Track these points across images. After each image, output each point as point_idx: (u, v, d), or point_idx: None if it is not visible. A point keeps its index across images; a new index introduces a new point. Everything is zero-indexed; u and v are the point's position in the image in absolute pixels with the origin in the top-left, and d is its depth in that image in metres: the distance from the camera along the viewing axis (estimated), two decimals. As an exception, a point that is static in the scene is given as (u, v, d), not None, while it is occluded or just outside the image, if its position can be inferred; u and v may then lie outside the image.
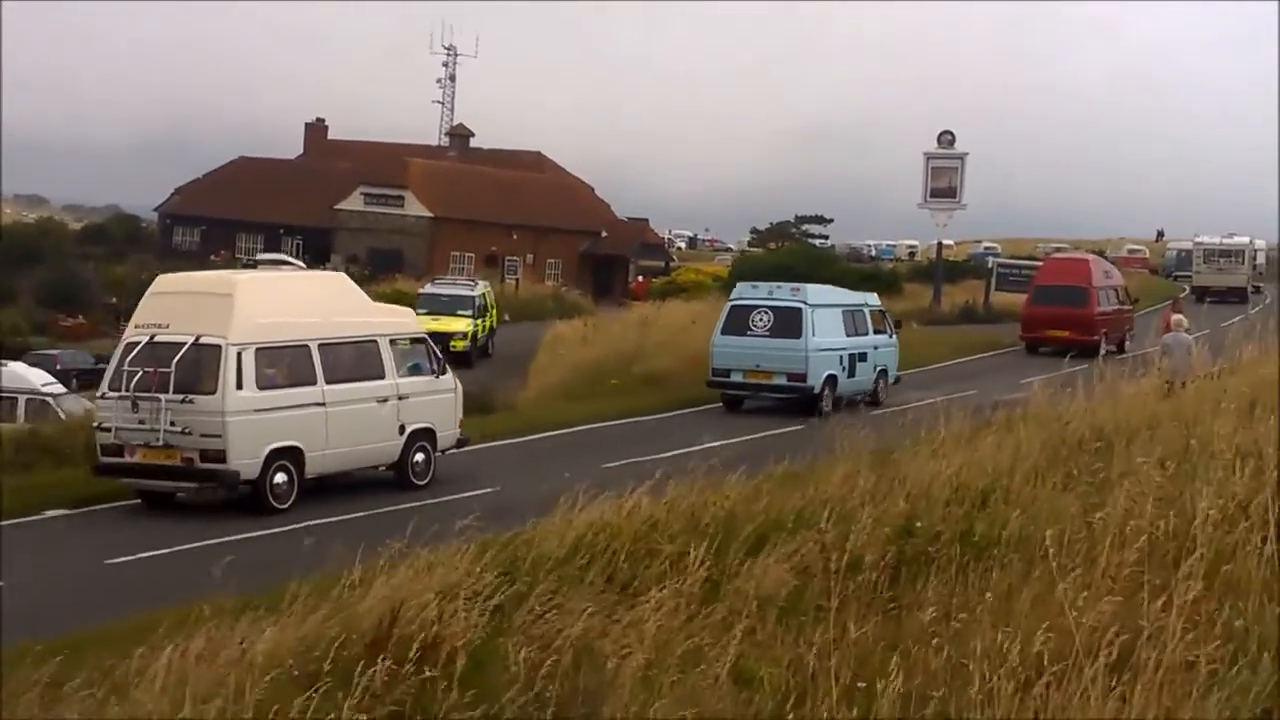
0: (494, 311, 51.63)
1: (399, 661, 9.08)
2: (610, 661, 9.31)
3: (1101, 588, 9.52)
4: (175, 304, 20.46)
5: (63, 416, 28.46)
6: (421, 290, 51.07)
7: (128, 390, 19.63)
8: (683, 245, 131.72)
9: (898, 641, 9.57)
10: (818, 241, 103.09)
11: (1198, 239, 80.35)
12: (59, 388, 33.37)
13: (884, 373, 33.08)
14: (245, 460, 19.59)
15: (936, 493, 13.27)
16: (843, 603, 10.16)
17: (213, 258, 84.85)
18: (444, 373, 22.96)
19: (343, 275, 24.31)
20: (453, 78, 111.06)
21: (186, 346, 19.59)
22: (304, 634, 9.90)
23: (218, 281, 22.34)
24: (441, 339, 34.77)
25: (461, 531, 11.86)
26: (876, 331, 33.12)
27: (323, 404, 20.63)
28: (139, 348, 19.87)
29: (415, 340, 22.89)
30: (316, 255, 77.36)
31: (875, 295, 36.46)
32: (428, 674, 8.95)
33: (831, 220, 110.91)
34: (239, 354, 19.61)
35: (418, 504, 19.16)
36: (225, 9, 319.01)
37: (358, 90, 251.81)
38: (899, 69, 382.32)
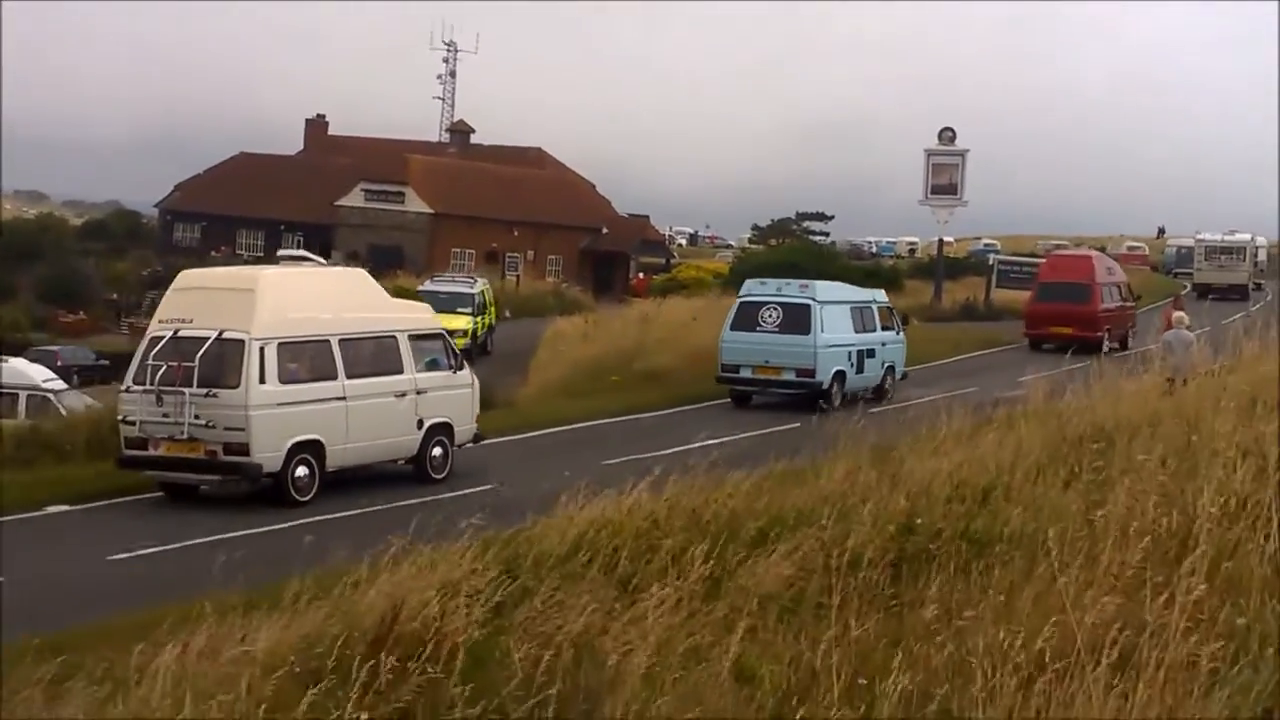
0: (493, 309, 51.57)
1: (401, 659, 9.08)
2: (611, 659, 9.31)
3: (1103, 585, 9.52)
4: (199, 299, 20.74)
5: (63, 412, 28.46)
6: (421, 287, 51.02)
7: (152, 384, 19.92)
8: (683, 242, 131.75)
9: (899, 639, 9.57)
10: (818, 238, 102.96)
11: (1199, 236, 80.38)
12: (60, 384, 33.39)
13: (891, 369, 33.28)
14: (268, 453, 19.89)
15: (937, 490, 13.27)
16: (844, 600, 10.15)
17: (213, 254, 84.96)
18: (461, 368, 23.28)
19: (362, 272, 24.68)
20: (453, 74, 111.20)
21: (210, 341, 19.85)
22: (305, 631, 9.91)
23: (241, 277, 22.69)
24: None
25: (462, 528, 11.85)
26: (884, 328, 33.32)
27: (343, 398, 20.91)
28: (163, 342, 20.18)
29: (433, 336, 23.16)
30: (317, 252, 77.30)
31: (883, 292, 36.85)
32: (430, 671, 8.94)
33: (832, 217, 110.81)
34: (262, 348, 19.91)
35: (417, 501, 19.13)
36: (226, 5, 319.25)
37: (358, 86, 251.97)
38: (899, 67, 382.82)
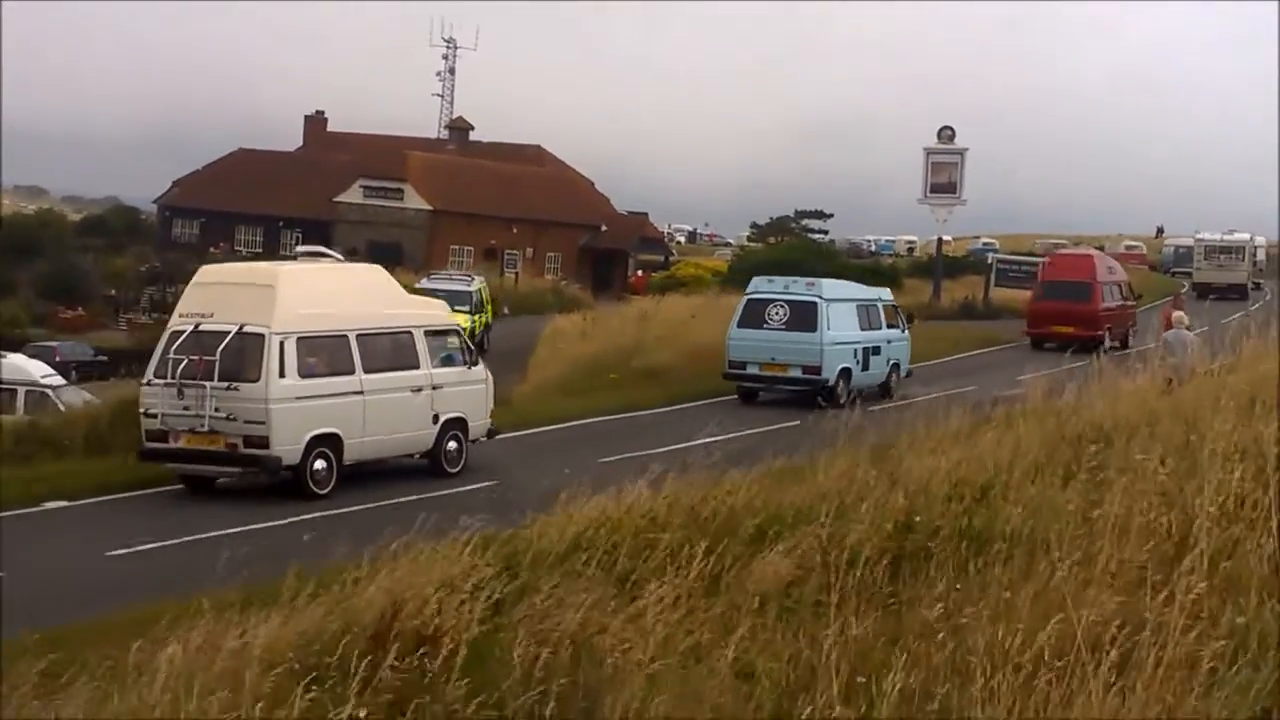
0: (490, 307, 51.53)
1: (400, 655, 9.08)
2: (610, 656, 9.32)
3: (1102, 584, 9.53)
4: (219, 294, 21.01)
5: (62, 408, 28.49)
6: (418, 285, 50.97)
7: (173, 377, 20.13)
8: (682, 240, 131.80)
9: (898, 637, 9.57)
10: (817, 237, 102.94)
11: (1199, 235, 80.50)
12: (58, 379, 33.44)
13: (896, 366, 33.59)
14: (287, 446, 20.16)
15: (936, 488, 13.27)
16: (842, 598, 10.15)
17: (212, 250, 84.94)
18: (476, 364, 23.55)
19: (379, 268, 24.91)
20: (452, 71, 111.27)
21: (231, 335, 20.08)
22: (304, 628, 9.91)
23: (261, 273, 22.90)
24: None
25: (462, 525, 11.86)
26: (889, 326, 33.63)
27: (361, 392, 21.16)
28: (184, 336, 20.42)
29: (448, 332, 23.42)
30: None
31: (888, 290, 37.29)
32: (429, 668, 8.95)
33: (831, 215, 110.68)
34: (281, 343, 20.18)
35: (416, 497, 19.19)
36: (226, 4, 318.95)
37: (357, 83, 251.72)
38: (899, 66, 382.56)
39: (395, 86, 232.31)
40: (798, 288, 32.05)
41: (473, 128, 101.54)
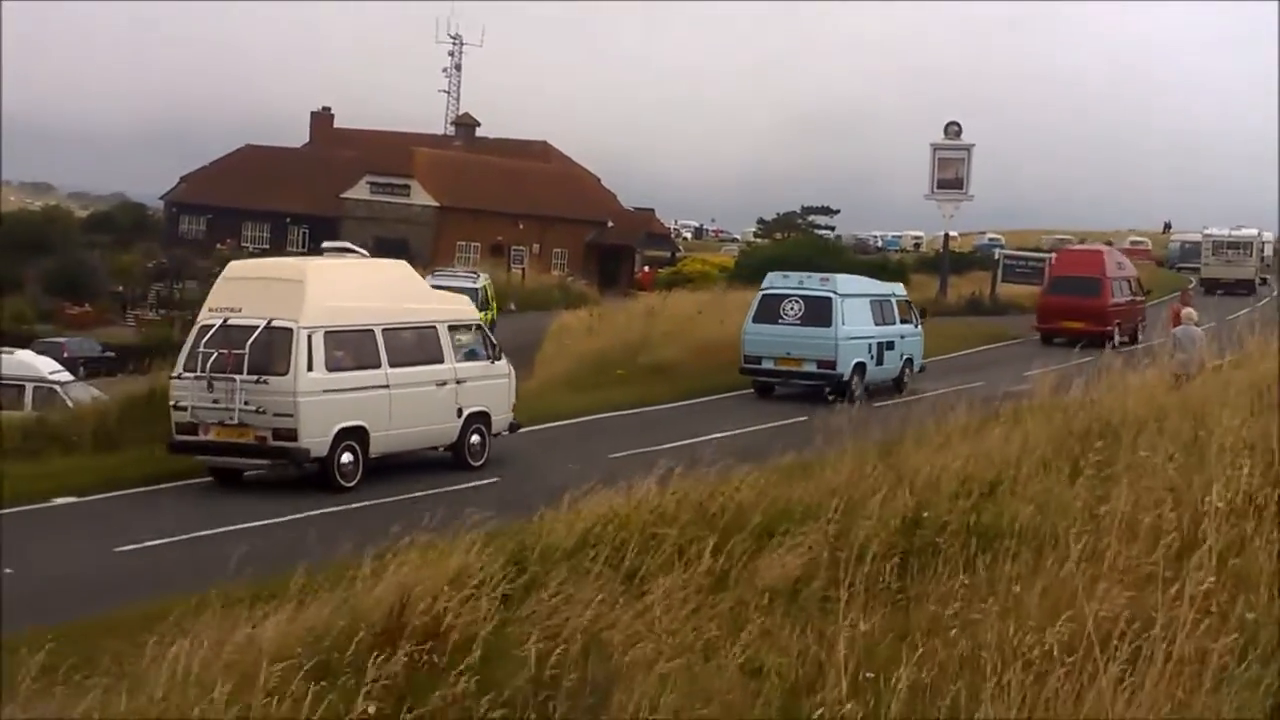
0: (495, 304, 51.45)
1: (409, 651, 9.08)
2: (619, 651, 9.32)
3: (1112, 580, 9.52)
4: (248, 289, 21.24)
5: (70, 404, 28.47)
6: (423, 282, 50.87)
7: (203, 371, 20.37)
8: (689, 236, 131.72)
9: (906, 633, 9.57)
10: (824, 232, 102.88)
11: (1206, 231, 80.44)
12: (66, 375, 33.39)
13: (910, 361, 33.85)
14: (315, 439, 20.35)
15: (944, 484, 13.27)
16: (850, 594, 10.14)
17: (219, 246, 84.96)
18: (499, 358, 23.75)
19: (404, 263, 25.15)
20: (458, 67, 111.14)
21: (260, 329, 20.30)
22: (312, 624, 9.92)
23: (289, 268, 23.32)
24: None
25: (469, 521, 11.86)
26: (903, 321, 33.87)
27: (386, 386, 21.37)
28: (213, 330, 20.68)
29: (472, 327, 23.65)
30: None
31: (901, 286, 37.65)
32: (438, 663, 8.95)
33: (838, 211, 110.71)
34: (309, 337, 20.42)
35: (423, 493, 19.22)
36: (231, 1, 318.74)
37: (364, 79, 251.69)
38: (903, 62, 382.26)
39: (401, 83, 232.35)
40: (812, 283, 32.35)
41: (479, 124, 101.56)
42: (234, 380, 20.18)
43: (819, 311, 31.36)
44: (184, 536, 17.40)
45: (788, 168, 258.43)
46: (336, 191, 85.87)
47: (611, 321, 43.40)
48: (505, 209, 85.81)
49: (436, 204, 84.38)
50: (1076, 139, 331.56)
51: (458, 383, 22.54)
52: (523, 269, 79.80)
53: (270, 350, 20.34)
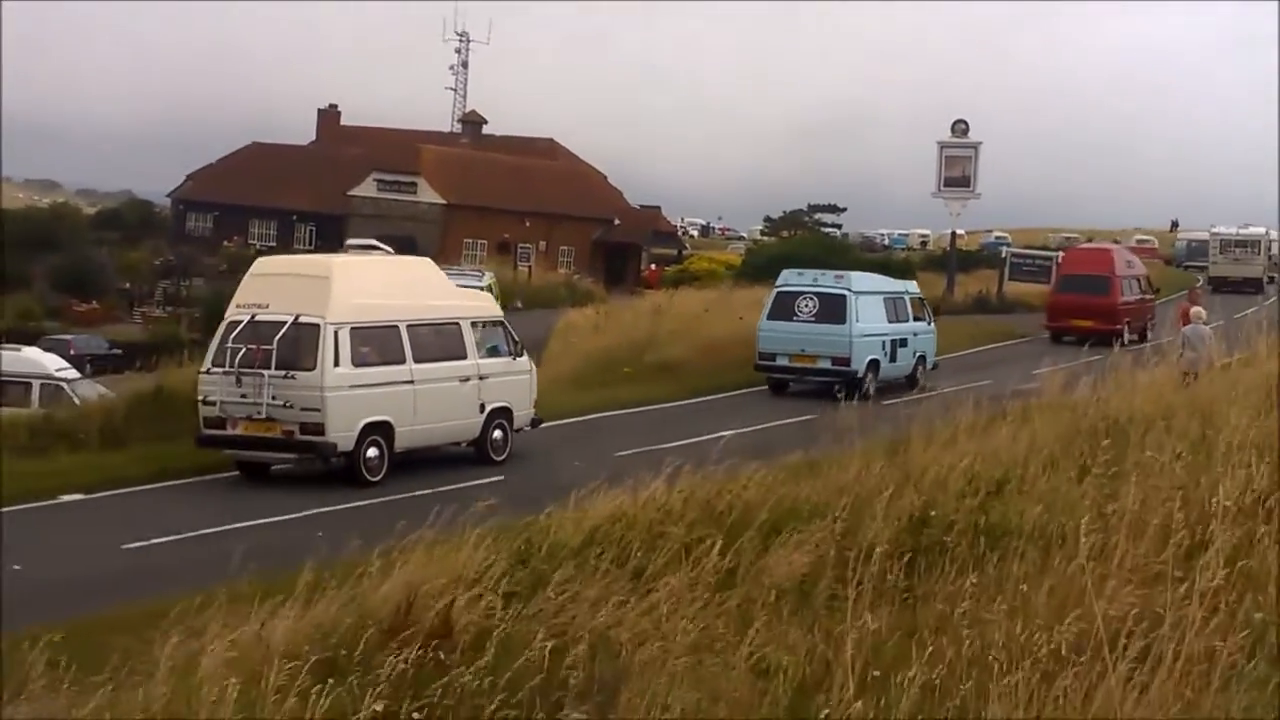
0: (499, 303, 51.30)
1: (416, 648, 9.08)
2: (626, 650, 9.32)
3: (1120, 579, 9.50)
4: (275, 285, 21.53)
5: (76, 401, 28.45)
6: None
7: (232, 366, 20.60)
8: (695, 234, 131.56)
9: (913, 631, 9.55)
10: (830, 230, 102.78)
11: (1214, 229, 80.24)
12: (73, 373, 33.36)
13: (923, 358, 34.09)
14: (341, 433, 20.64)
15: (951, 483, 13.25)
16: (858, 592, 10.13)
17: (226, 244, 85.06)
18: (520, 355, 24.07)
19: (428, 261, 25.85)
20: (465, 64, 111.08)
21: (287, 325, 20.53)
22: (320, 621, 9.92)
23: (315, 264, 23.75)
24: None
25: (476, 519, 11.86)
26: (916, 318, 34.17)
27: (411, 382, 21.68)
28: (241, 326, 20.92)
29: (494, 323, 23.91)
30: (329, 241, 77.44)
31: (915, 283, 37.88)
32: (445, 661, 8.94)
33: (844, 209, 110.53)
34: (336, 332, 20.66)
35: (428, 491, 19.21)
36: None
37: (370, 76, 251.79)
38: (909, 62, 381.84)
39: (408, 80, 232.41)
40: (827, 280, 32.63)
41: (485, 121, 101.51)
42: (262, 375, 20.45)
43: (834, 309, 31.62)
44: (192, 534, 17.42)
45: (794, 166, 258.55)
46: (343, 189, 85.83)
47: (618, 319, 43.36)
48: (512, 206, 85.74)
49: (443, 201, 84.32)
50: (1081, 138, 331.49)
51: (480, 379, 22.83)
52: (529, 267, 79.76)
53: (298, 346, 20.63)
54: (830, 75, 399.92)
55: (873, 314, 32.34)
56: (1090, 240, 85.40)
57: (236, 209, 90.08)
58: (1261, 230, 78.54)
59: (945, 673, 8.44)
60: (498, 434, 23.10)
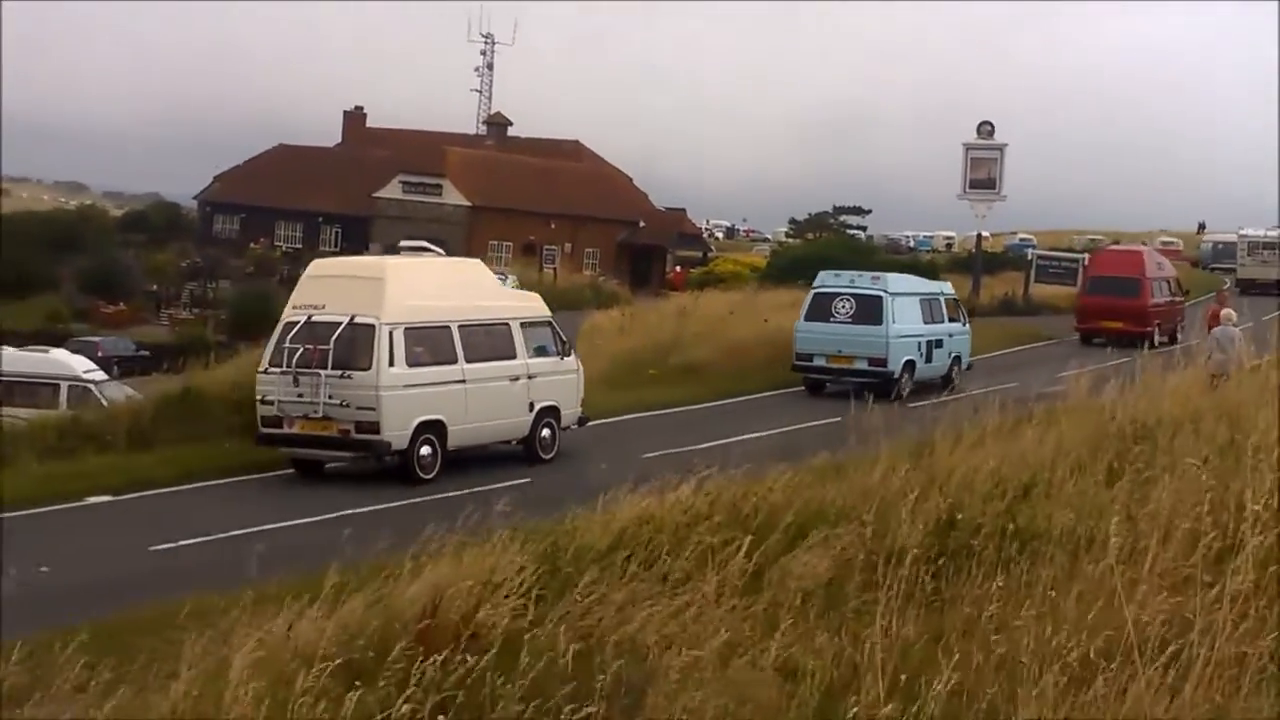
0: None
1: (443, 651, 9.07)
2: (653, 652, 9.30)
3: (1149, 584, 9.45)
4: (331, 287, 21.89)
5: (104, 403, 28.58)
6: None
7: (289, 366, 20.93)
8: (720, 236, 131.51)
9: (940, 635, 9.52)
10: (855, 232, 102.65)
11: (1242, 232, 79.85)
12: (100, 374, 33.54)
13: (958, 359, 34.31)
14: (396, 432, 21.01)
15: (978, 486, 13.20)
16: (886, 596, 10.09)
17: (252, 245, 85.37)
18: (568, 354, 24.44)
19: (478, 262, 26.25)
20: (490, 66, 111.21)
21: (343, 326, 20.86)
22: (347, 622, 9.93)
23: (370, 266, 24.25)
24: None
25: (503, 520, 11.86)
26: (951, 320, 34.39)
27: (463, 381, 22.03)
28: (298, 327, 21.29)
29: (542, 323, 24.19)
30: (355, 243, 77.68)
31: (950, 285, 38.04)
32: (471, 663, 8.93)
33: (870, 211, 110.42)
34: (391, 333, 21.02)
35: (456, 493, 19.21)
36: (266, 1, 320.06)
37: (396, 78, 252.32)
38: (935, 64, 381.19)
39: (433, 82, 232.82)
40: (863, 282, 32.90)
41: (511, 123, 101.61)
42: (319, 375, 20.78)
43: (870, 310, 31.91)
44: (220, 535, 17.43)
45: (819, 167, 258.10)
46: (369, 191, 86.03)
47: (643, 321, 43.36)
48: (537, 208, 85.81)
49: (469, 203, 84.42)
50: (1106, 139, 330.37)
51: (529, 378, 23.16)
52: (554, 268, 79.76)
53: (353, 346, 20.94)
54: (861, 75, 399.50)
55: (909, 315, 32.57)
56: (1116, 242, 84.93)
57: (263, 211, 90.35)
58: (1290, 232, 78.07)
59: (973, 677, 8.41)
60: (546, 432, 23.47)
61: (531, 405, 23.16)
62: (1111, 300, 44.42)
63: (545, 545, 11.70)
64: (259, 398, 21.53)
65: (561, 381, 23.95)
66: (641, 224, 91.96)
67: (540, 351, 23.71)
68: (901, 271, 48.04)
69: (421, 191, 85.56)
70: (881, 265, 55.73)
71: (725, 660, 9.31)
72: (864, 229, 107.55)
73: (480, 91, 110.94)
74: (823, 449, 16.78)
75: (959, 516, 12.14)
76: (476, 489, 19.66)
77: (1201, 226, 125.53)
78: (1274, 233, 77.31)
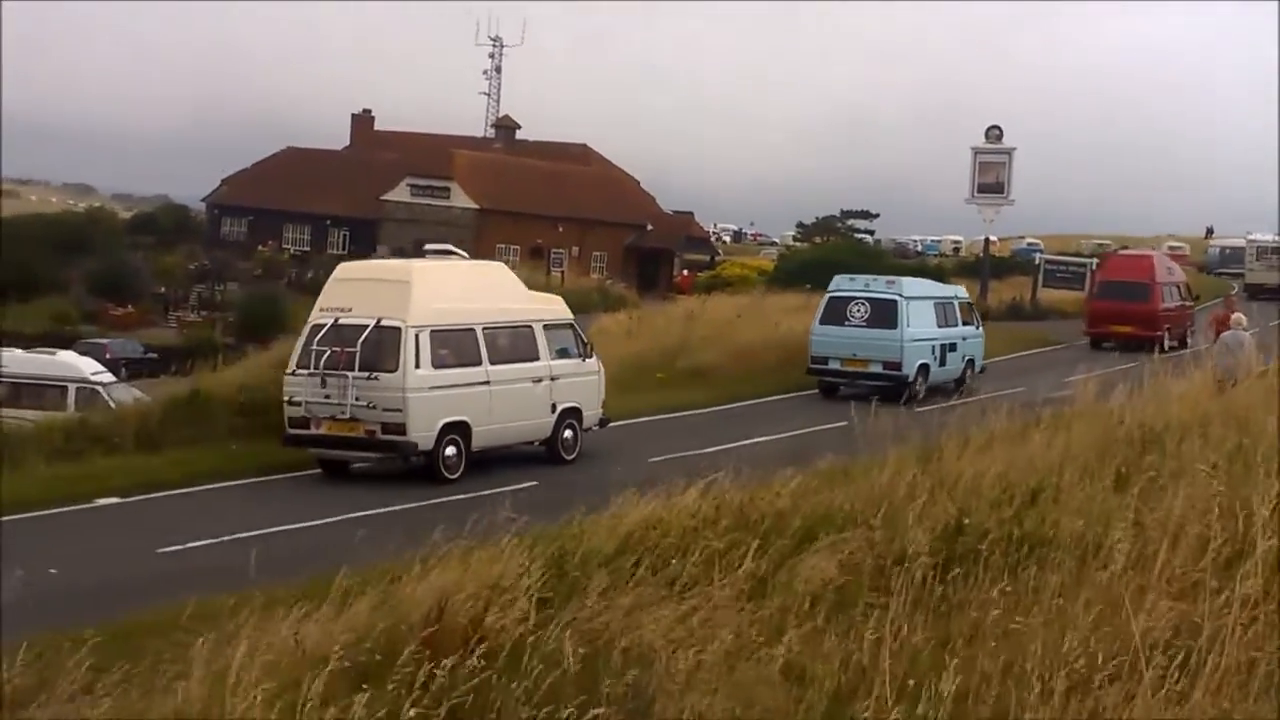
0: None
1: (450, 655, 9.07)
2: (660, 657, 9.29)
3: (1157, 589, 9.43)
4: (357, 289, 22.21)
5: (112, 405, 28.62)
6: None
7: (316, 368, 21.20)
8: (728, 239, 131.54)
9: (948, 640, 9.50)
10: (863, 237, 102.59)
11: (1250, 236, 79.79)
12: (108, 376, 33.62)
13: (971, 362, 34.52)
14: (422, 433, 21.30)
15: (985, 491, 13.18)
16: (894, 600, 10.08)
17: (260, 248, 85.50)
18: (589, 356, 24.65)
19: (502, 265, 26.70)
20: (498, 69, 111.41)
21: (370, 328, 21.12)
22: (353, 625, 9.92)
23: (396, 269, 24.34)
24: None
25: (509, 525, 11.85)
26: (965, 323, 34.59)
27: (487, 383, 22.30)
28: (325, 329, 21.53)
29: (564, 325, 24.41)
30: (363, 246, 77.75)
31: (963, 289, 38.23)
32: (478, 667, 8.93)
33: (877, 215, 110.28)
34: (416, 335, 21.28)
35: (462, 496, 19.24)
36: (273, 2, 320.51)
37: (404, 81, 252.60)
38: (943, 68, 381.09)
39: (441, 84, 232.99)
40: (878, 286, 33.09)
41: (519, 126, 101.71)
42: (346, 377, 21.01)
43: (885, 314, 32.06)
44: (227, 537, 17.43)
45: (827, 172, 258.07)
46: (377, 194, 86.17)
47: (650, 325, 43.34)
48: (545, 212, 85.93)
49: (476, 206, 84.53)
50: (1106, 140, 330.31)
51: (552, 379, 23.42)
52: (562, 272, 79.81)
53: (380, 348, 21.20)
54: (868, 79, 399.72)
55: (923, 319, 32.69)
56: (1125, 247, 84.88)
57: (271, 214, 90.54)
58: (1298, 236, 78.02)
59: (981, 682, 8.39)
60: (568, 434, 23.75)
61: (554, 406, 23.46)
62: (1122, 305, 44.53)
63: (553, 549, 11.70)
64: (286, 399, 21.77)
65: (583, 383, 24.21)
66: (649, 227, 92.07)
67: (563, 353, 23.95)
68: (909, 275, 48.19)
69: (429, 194, 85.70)
70: (889, 269, 55.78)
71: (732, 664, 9.30)
72: (872, 233, 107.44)
73: (488, 95, 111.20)
74: (830, 452, 16.76)
75: (966, 521, 12.11)
76: (490, 491, 19.70)
77: (1209, 231, 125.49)
78: (1282, 237, 77.19)
